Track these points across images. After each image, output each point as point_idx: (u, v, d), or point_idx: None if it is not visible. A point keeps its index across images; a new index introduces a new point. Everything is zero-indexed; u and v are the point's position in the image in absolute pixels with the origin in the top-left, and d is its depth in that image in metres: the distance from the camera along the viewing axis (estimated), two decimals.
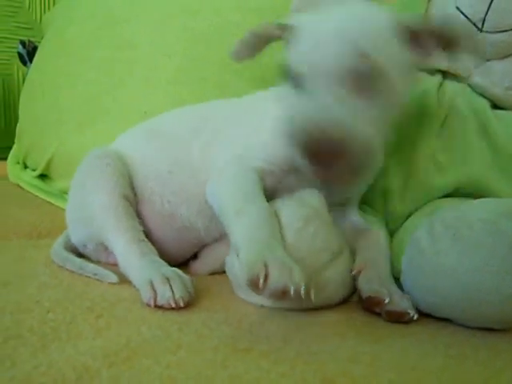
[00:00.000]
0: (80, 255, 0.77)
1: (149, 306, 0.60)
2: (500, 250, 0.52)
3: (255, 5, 1.02)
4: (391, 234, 0.77)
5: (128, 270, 0.67)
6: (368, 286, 0.61)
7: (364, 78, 0.58)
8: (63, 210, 0.84)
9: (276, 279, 0.50)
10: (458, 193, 0.80)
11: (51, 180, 1.16)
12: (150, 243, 0.71)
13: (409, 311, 0.58)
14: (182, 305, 0.59)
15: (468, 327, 0.58)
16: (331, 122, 0.55)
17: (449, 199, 0.78)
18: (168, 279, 0.61)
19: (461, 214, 0.57)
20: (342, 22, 0.61)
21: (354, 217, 0.73)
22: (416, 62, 0.66)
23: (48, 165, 1.13)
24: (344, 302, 0.65)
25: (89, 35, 1.06)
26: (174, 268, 0.66)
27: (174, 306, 0.59)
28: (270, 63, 0.97)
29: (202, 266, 0.76)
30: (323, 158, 0.56)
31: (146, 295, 0.60)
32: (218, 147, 0.73)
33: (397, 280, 0.66)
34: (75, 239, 0.78)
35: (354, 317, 0.61)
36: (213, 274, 0.75)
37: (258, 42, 0.69)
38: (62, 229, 0.83)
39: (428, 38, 0.64)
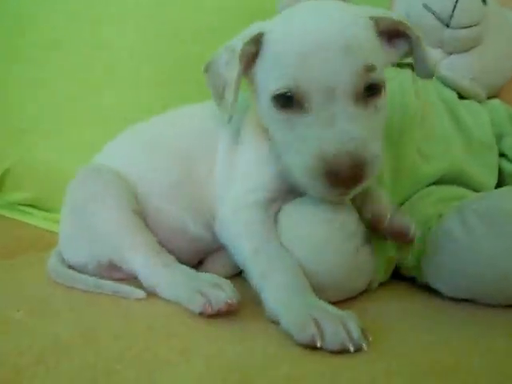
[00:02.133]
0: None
1: (203, 313, 0.56)
2: None
3: (235, 4, 0.99)
4: None
5: (157, 283, 0.64)
6: (369, 208, 0.64)
7: (372, 91, 0.58)
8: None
9: (333, 337, 0.49)
10: (441, 180, 0.85)
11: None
12: (167, 252, 0.68)
13: (410, 225, 0.62)
14: (236, 306, 0.57)
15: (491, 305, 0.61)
16: (357, 148, 0.54)
17: (437, 187, 0.83)
18: (217, 283, 0.59)
19: (493, 203, 0.61)
20: (339, 32, 0.57)
21: None
22: (391, 60, 0.66)
23: (3, 175, 1.01)
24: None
25: (53, 37, 0.97)
26: (208, 273, 0.64)
27: (231, 307, 0.56)
28: None
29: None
30: (349, 182, 0.55)
31: (199, 303, 0.57)
32: (223, 166, 0.71)
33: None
34: (75, 260, 0.72)
35: (393, 307, 0.63)
36: None
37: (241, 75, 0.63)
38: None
39: (398, 36, 0.64)
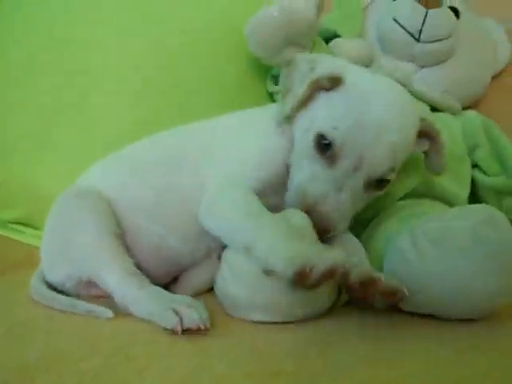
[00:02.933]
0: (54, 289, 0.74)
1: (174, 331, 0.59)
2: (480, 253, 0.58)
3: (200, 25, 1.02)
4: None
5: (131, 302, 0.66)
6: (358, 272, 0.64)
7: (381, 185, 0.67)
8: None
9: (323, 264, 0.55)
10: (414, 193, 0.86)
11: None
12: (141, 273, 0.70)
13: (402, 288, 0.61)
14: (208, 326, 0.59)
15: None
16: (336, 214, 0.64)
17: (406, 202, 0.84)
18: (190, 304, 0.62)
19: (443, 224, 0.63)
20: (396, 130, 0.65)
21: None
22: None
23: None
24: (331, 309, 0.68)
25: (35, 58, 0.99)
26: (181, 295, 0.66)
27: (202, 327, 0.59)
28: (227, 81, 1.01)
29: (183, 289, 0.76)
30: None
31: (172, 320, 0.59)
32: (210, 169, 0.73)
33: None
34: (54, 278, 0.74)
35: (354, 321, 0.64)
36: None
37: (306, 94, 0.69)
38: None
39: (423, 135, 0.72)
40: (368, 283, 0.61)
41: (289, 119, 0.71)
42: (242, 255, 0.62)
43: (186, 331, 0.59)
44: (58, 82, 0.97)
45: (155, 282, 0.71)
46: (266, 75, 1.03)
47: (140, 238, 0.74)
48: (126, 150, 0.82)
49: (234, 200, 0.66)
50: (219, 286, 0.68)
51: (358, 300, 0.64)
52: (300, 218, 0.64)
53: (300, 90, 0.67)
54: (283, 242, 0.59)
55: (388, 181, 0.67)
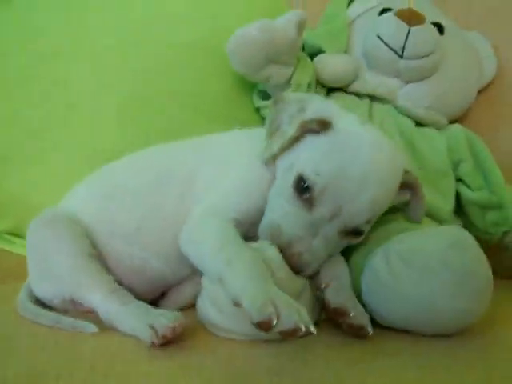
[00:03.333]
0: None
1: (153, 345, 0.61)
2: (448, 276, 0.60)
3: (187, 39, 1.02)
4: None
5: (114, 319, 0.67)
6: (335, 298, 0.66)
7: (356, 235, 0.67)
8: None
9: (287, 319, 0.54)
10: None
11: None
12: (125, 291, 0.71)
13: (367, 327, 0.64)
14: (179, 330, 0.61)
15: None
16: (309, 256, 0.64)
17: (393, 216, 0.85)
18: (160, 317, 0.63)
19: (414, 247, 0.64)
20: (379, 183, 0.64)
21: None
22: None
23: None
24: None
25: (22, 71, 0.99)
26: (160, 310, 0.67)
27: (175, 331, 0.60)
28: (214, 95, 1.02)
29: (171, 304, 0.77)
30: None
31: (149, 335, 0.61)
32: (194, 197, 0.73)
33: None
34: (41, 295, 0.76)
35: (332, 339, 0.65)
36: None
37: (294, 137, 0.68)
38: None
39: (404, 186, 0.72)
40: (339, 312, 0.64)
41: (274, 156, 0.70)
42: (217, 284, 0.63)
43: (167, 344, 0.61)
44: (45, 95, 0.98)
45: (142, 297, 0.72)
46: (253, 90, 1.04)
47: (121, 261, 0.75)
48: (108, 170, 0.82)
49: (212, 230, 0.67)
50: (199, 308, 0.69)
51: (330, 320, 0.67)
52: (273, 252, 0.65)
53: (290, 130, 0.67)
54: (254, 283, 0.58)
55: (362, 231, 0.67)
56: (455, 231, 0.65)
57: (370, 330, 0.63)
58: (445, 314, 0.61)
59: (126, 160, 0.82)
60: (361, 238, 0.68)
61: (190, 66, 1.01)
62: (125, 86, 0.98)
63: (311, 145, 0.67)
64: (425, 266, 0.61)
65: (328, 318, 0.67)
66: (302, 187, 0.65)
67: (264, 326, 0.54)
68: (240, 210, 0.70)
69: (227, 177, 0.73)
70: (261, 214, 0.69)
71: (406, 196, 0.73)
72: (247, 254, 0.62)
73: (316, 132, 0.66)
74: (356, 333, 0.64)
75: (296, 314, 0.55)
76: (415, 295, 0.61)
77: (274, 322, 0.53)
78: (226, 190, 0.72)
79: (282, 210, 0.67)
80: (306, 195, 0.64)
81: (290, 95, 0.72)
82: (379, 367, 0.57)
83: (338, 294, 0.67)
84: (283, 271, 0.63)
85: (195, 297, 0.73)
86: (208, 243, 0.65)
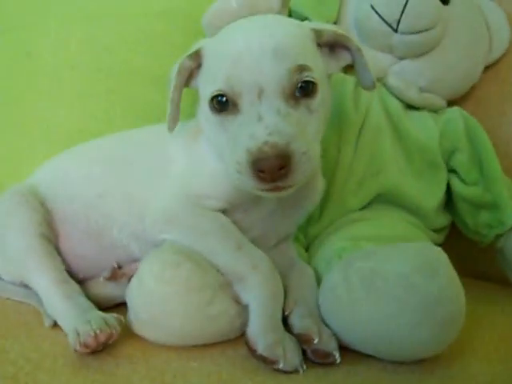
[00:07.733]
0: None
1: (77, 351, 0.57)
2: (411, 303, 0.53)
3: (161, 8, 0.93)
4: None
5: (54, 313, 0.65)
6: (300, 323, 0.61)
7: (305, 92, 0.59)
8: None
9: (289, 362, 0.56)
10: (376, 200, 0.81)
11: None
12: (74, 283, 0.68)
13: (334, 353, 0.58)
14: (101, 339, 0.57)
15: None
16: (281, 140, 0.55)
17: (362, 214, 0.79)
18: (90, 321, 0.59)
19: (376, 266, 0.57)
20: (269, 36, 0.59)
21: (292, 253, 0.74)
22: (332, 70, 0.66)
23: None
24: None
25: None
26: (99, 312, 0.63)
27: (98, 340, 0.57)
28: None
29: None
30: (274, 175, 0.56)
31: (72, 340, 0.58)
32: (159, 180, 0.70)
33: None
34: (6, 277, 0.75)
35: None
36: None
37: (181, 88, 0.67)
38: None
39: (340, 48, 0.65)
40: (303, 339, 0.59)
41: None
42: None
43: (96, 351, 0.58)
44: (8, 69, 0.93)
45: (94, 271, 0.72)
46: None
47: (77, 223, 0.73)
48: (77, 148, 0.80)
49: (198, 213, 0.66)
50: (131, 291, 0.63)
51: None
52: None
53: (171, 87, 0.66)
54: (271, 318, 0.59)
55: (312, 83, 0.59)
56: (424, 250, 0.57)
57: (337, 356, 0.58)
58: (405, 343, 0.54)
59: (94, 142, 0.80)
60: (317, 96, 0.60)
61: (159, 41, 0.94)
62: (90, 59, 0.92)
63: (201, 77, 0.65)
64: (386, 291, 0.54)
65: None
66: (219, 106, 0.60)
67: (267, 361, 0.56)
68: (217, 196, 0.67)
69: (199, 166, 0.69)
70: (240, 196, 0.65)
71: (347, 58, 0.65)
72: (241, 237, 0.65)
73: (197, 68, 0.66)
74: (322, 360, 0.58)
75: (298, 358, 0.57)
76: (373, 320, 0.55)
77: (281, 365, 0.55)
78: (197, 176, 0.69)
79: (223, 141, 0.61)
80: (228, 108, 0.60)
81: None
82: None
83: (303, 317, 0.62)
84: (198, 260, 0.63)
85: None
86: (191, 234, 0.65)
